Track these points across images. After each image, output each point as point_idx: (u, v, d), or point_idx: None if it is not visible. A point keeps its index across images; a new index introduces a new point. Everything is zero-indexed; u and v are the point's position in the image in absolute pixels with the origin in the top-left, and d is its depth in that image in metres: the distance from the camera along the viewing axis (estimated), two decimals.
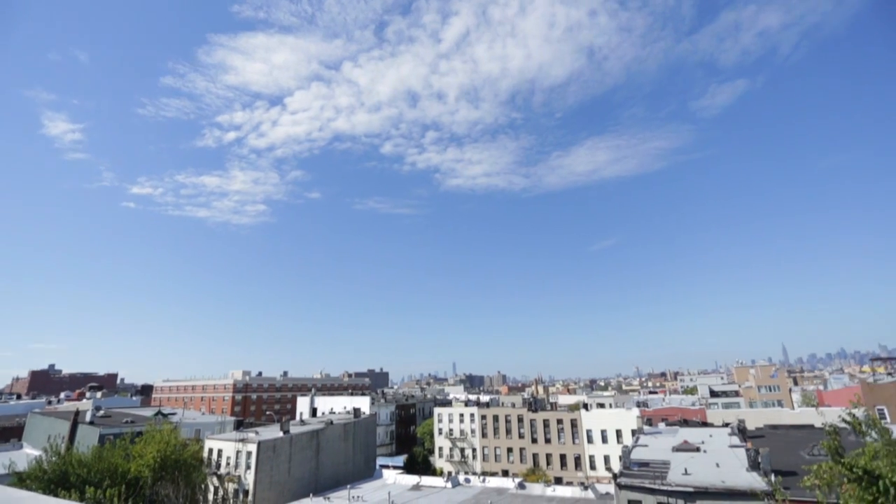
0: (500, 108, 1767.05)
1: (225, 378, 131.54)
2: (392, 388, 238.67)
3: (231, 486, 48.67)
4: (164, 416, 66.10)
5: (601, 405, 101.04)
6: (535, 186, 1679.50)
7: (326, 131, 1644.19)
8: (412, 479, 53.19)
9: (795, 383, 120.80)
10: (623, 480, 33.13)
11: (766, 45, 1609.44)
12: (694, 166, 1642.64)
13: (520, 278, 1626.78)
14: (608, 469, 66.88)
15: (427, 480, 52.53)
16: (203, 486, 48.84)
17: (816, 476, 16.31)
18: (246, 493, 47.17)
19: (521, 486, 48.37)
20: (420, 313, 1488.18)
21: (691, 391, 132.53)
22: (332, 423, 58.87)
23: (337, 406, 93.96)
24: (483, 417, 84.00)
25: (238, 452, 49.48)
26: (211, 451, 52.66)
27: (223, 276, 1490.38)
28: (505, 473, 74.98)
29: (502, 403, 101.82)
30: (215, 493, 49.77)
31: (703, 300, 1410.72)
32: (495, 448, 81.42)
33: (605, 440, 71.95)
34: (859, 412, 18.92)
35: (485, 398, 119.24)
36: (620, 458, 39.53)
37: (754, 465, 32.78)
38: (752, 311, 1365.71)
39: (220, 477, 49.68)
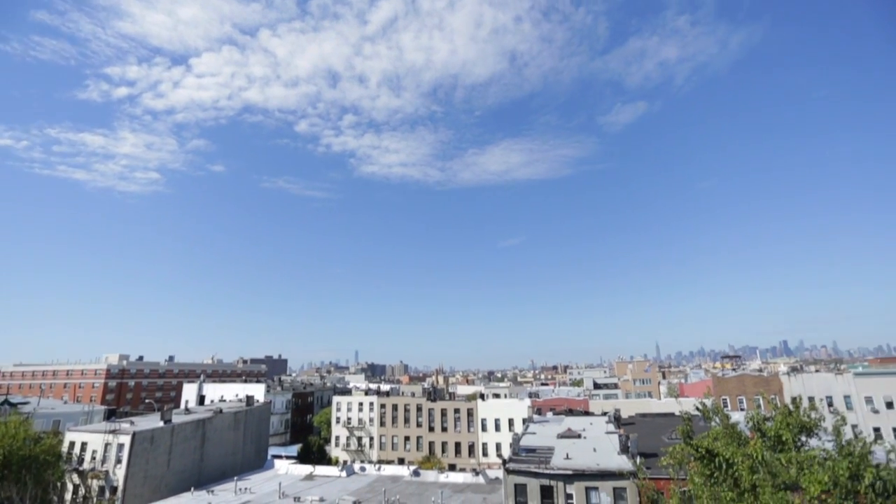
0: (421, 100, 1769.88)
1: (97, 363, 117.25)
2: (290, 375, 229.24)
3: (95, 483, 43.71)
4: (12, 405, 57.60)
5: (497, 395, 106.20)
6: (449, 181, 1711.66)
7: (236, 101, 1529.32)
8: (305, 469, 51.83)
9: (664, 377, 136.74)
10: (511, 466, 35.31)
11: (664, 74, 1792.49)
12: (596, 176, 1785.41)
13: (427, 269, 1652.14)
14: (499, 455, 70.65)
15: (321, 470, 51.51)
16: (59, 484, 43.32)
17: (671, 456, 19.07)
18: (114, 489, 42.69)
19: (415, 473, 49.38)
20: (324, 300, 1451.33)
21: (578, 383, 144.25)
22: (221, 411, 55.36)
23: (228, 394, 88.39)
24: (382, 406, 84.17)
25: (107, 445, 44.56)
26: (73, 444, 46.88)
27: (102, 248, 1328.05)
28: (401, 461, 75.92)
29: (403, 393, 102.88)
30: (75, 491, 44.38)
31: (595, 300, 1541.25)
32: (393, 437, 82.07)
33: (498, 428, 75.82)
34: (709, 402, 22.30)
35: (385, 387, 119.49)
36: (511, 445, 42.05)
37: (624, 449, 36.73)
38: (633, 312, 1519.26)
39: (81, 473, 44.37)
